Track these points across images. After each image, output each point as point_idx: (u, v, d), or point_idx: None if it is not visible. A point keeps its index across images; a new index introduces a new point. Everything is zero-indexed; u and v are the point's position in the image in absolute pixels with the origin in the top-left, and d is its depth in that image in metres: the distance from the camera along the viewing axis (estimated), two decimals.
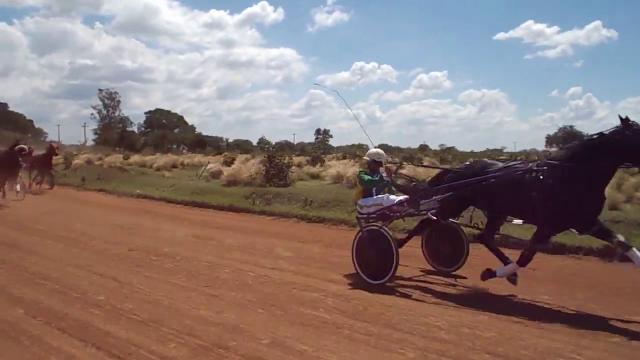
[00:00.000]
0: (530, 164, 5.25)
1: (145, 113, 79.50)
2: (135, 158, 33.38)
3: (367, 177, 6.21)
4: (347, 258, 6.11)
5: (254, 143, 76.30)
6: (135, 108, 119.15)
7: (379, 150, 6.60)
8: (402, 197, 6.15)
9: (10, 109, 73.99)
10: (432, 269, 6.37)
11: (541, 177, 4.94)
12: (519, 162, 5.71)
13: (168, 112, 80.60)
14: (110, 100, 71.98)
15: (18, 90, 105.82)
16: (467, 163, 6.97)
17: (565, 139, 50.32)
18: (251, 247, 7.97)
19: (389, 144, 69.69)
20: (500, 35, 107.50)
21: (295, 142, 78.98)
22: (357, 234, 6.00)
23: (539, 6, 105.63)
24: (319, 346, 3.98)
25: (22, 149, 13.77)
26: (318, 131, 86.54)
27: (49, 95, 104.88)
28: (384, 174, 6.39)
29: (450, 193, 5.64)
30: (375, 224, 6.01)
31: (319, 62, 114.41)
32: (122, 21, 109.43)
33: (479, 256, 6.11)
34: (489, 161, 5.88)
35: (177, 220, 10.83)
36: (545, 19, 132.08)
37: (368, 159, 6.49)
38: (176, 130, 77.75)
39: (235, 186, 15.40)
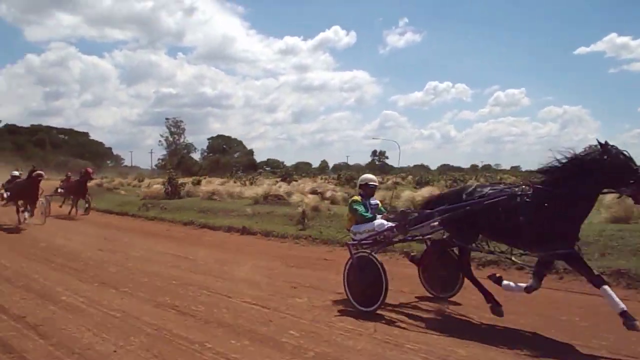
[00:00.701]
0: (517, 189, 5.18)
1: (208, 139, 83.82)
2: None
3: (359, 209, 6.27)
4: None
5: (314, 165, 78.27)
6: (214, 133, 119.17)
7: (370, 175, 6.75)
8: (392, 223, 6.09)
9: (101, 136, 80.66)
10: (429, 294, 6.25)
11: (527, 200, 4.89)
12: (507, 186, 5.55)
13: (228, 137, 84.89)
14: (175, 128, 76.73)
15: (109, 119, 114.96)
16: (457, 188, 6.92)
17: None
18: None
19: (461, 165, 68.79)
20: (582, 50, 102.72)
21: (352, 163, 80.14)
22: (348, 261, 5.97)
23: (621, 19, 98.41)
24: None
25: (40, 175, 13.90)
26: (374, 152, 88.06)
27: (137, 122, 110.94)
28: (375, 200, 6.50)
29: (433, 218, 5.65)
30: (365, 250, 5.97)
31: (391, 83, 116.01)
32: (203, 51, 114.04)
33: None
34: (477, 185, 5.82)
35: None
36: (629, 31, 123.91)
37: (361, 182, 6.57)
38: (236, 155, 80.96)
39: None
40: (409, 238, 6.16)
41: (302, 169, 69.19)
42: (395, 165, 74.59)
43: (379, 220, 6.22)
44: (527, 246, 5.06)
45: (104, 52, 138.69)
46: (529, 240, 4.87)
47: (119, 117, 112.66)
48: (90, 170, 17.75)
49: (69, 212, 17.19)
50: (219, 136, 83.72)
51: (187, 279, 7.42)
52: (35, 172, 13.95)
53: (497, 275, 5.50)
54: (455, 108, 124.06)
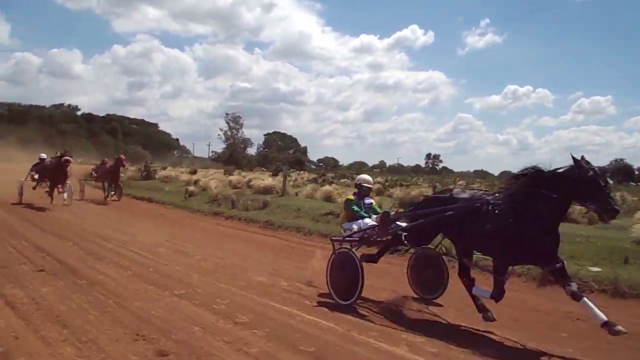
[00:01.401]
0: (489, 197, 5.14)
1: (264, 135, 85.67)
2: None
3: (353, 206, 6.45)
4: None
5: (369, 165, 78.18)
6: (285, 129, 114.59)
7: (365, 176, 6.95)
8: (374, 223, 6.19)
9: (178, 127, 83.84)
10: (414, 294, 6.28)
11: (496, 210, 4.88)
12: (483, 193, 5.56)
13: (284, 134, 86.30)
14: (234, 123, 78.91)
15: (186, 110, 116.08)
16: (437, 191, 6.84)
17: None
18: None
19: None
20: None
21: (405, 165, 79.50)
22: (331, 256, 6.09)
23: None
24: None
25: (68, 160, 14.56)
26: (428, 156, 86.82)
27: (212, 115, 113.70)
28: (369, 200, 6.64)
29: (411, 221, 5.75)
30: (345, 246, 6.11)
31: (468, 85, 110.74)
32: (279, 47, 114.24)
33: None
34: (456, 190, 5.83)
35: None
36: None
37: (357, 183, 6.77)
38: (291, 151, 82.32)
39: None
40: (390, 238, 6.14)
41: (355, 168, 68.93)
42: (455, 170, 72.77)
43: (367, 220, 6.32)
44: (493, 254, 5.02)
45: (185, 45, 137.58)
46: (495, 249, 4.89)
47: (195, 109, 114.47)
48: (122, 157, 17.67)
49: (105, 198, 17.34)
50: (275, 133, 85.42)
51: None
52: (64, 157, 14.58)
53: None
54: (534, 113, 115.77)
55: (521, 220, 4.59)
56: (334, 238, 6.53)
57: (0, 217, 12.31)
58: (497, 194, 5.15)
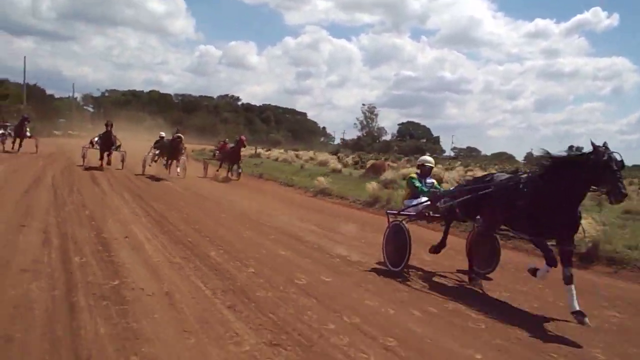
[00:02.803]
0: (523, 177, 5.29)
1: (398, 124, 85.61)
2: None
3: (414, 182, 6.57)
4: None
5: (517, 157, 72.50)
6: (449, 118, 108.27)
7: (427, 157, 7.21)
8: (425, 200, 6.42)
9: (341, 115, 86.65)
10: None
11: (525, 189, 5.00)
12: (521, 173, 5.61)
13: (417, 124, 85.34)
14: (370, 113, 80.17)
15: (350, 99, 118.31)
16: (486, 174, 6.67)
17: None
18: None
19: None
20: None
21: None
22: (387, 228, 6.31)
23: None
24: None
25: (180, 137, 15.61)
26: (570, 147, 76.14)
27: (376, 104, 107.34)
28: (430, 179, 6.71)
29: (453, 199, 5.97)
30: (397, 219, 6.31)
31: None
32: (446, 34, 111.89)
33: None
34: (497, 174, 5.92)
35: None
36: None
37: (419, 163, 6.91)
38: (423, 140, 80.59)
39: None
40: (439, 215, 6.35)
41: (497, 159, 64.32)
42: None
43: (422, 198, 6.48)
44: (520, 230, 5.23)
45: (351, 35, 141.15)
46: (523, 224, 5.03)
47: (360, 98, 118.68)
48: (243, 138, 17.71)
49: (226, 175, 17.42)
50: (409, 122, 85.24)
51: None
52: (176, 134, 15.84)
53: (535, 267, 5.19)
54: None
55: (545, 198, 4.71)
56: (389, 212, 6.72)
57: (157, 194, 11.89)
58: (529, 174, 5.25)
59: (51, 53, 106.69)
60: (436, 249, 6.25)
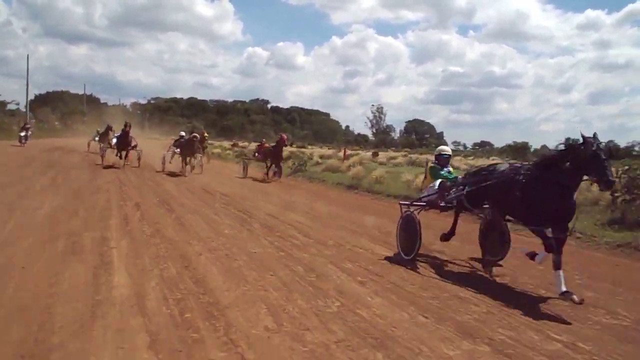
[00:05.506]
0: (522, 169, 5.19)
1: (405, 122, 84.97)
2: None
3: (437, 170, 6.39)
4: None
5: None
6: (499, 113, 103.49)
7: (444, 147, 6.90)
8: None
9: (390, 114, 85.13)
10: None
11: (523, 180, 4.94)
12: (518, 165, 5.58)
13: (422, 121, 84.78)
14: (378, 112, 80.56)
15: (398, 96, 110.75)
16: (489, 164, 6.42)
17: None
18: None
19: None
20: None
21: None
22: (400, 217, 6.26)
23: None
24: None
25: (195, 137, 15.93)
26: (567, 139, 74.21)
27: (423, 101, 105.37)
28: (448, 168, 6.48)
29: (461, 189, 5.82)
30: (409, 210, 6.21)
31: None
32: (493, 28, 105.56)
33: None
34: (499, 163, 5.99)
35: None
36: None
37: (436, 153, 6.70)
38: (426, 136, 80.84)
39: None
40: (448, 205, 6.13)
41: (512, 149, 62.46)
42: None
43: (433, 187, 6.29)
44: (519, 218, 5.18)
45: (397, 32, 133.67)
46: (521, 213, 4.99)
47: (407, 95, 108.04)
48: (284, 136, 16.23)
49: (265, 175, 15.77)
50: (415, 120, 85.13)
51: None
52: (192, 134, 16.15)
53: (533, 252, 5.10)
54: None
55: (541, 188, 4.69)
56: (401, 202, 6.61)
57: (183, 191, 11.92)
58: (528, 165, 5.20)
59: (105, 59, 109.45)
60: (447, 237, 6.15)
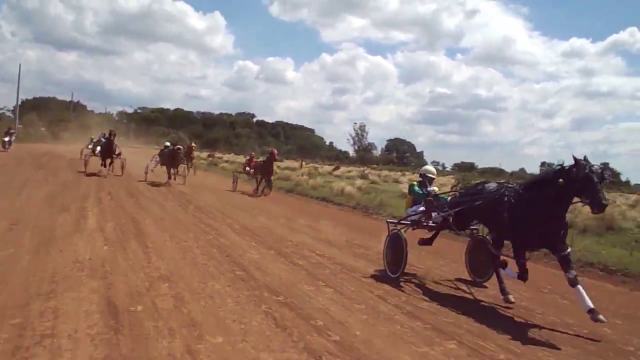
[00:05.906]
0: (511, 189, 5.19)
1: (387, 140, 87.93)
2: None
3: (415, 188, 6.51)
4: None
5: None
6: (485, 135, 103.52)
7: (429, 167, 6.99)
8: (423, 209, 6.21)
9: (377, 132, 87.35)
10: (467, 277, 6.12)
11: (512, 200, 4.97)
12: (506, 184, 5.49)
13: (402, 140, 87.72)
14: (360, 130, 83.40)
15: (385, 115, 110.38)
16: (475, 183, 6.81)
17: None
18: None
19: None
20: None
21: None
22: (387, 236, 6.20)
23: None
24: None
25: (179, 148, 16.27)
26: (543, 164, 78.32)
27: (411, 120, 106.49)
28: (432, 187, 6.53)
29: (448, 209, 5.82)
30: (395, 228, 6.17)
31: None
32: (480, 52, 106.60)
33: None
34: (488, 182, 5.90)
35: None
36: None
37: (421, 172, 6.80)
38: (407, 155, 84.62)
39: None
40: (434, 223, 6.14)
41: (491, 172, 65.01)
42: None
43: (421, 207, 6.27)
44: (508, 239, 5.14)
45: (387, 52, 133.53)
46: (509, 234, 5.02)
47: (395, 115, 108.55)
48: (275, 152, 16.24)
49: (255, 190, 15.86)
50: (396, 138, 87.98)
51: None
52: (176, 146, 16.67)
53: (506, 263, 5.22)
54: None
55: (530, 209, 4.66)
56: (389, 221, 6.54)
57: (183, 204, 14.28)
58: (517, 186, 5.15)
59: (95, 67, 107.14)
60: (425, 242, 6.20)
